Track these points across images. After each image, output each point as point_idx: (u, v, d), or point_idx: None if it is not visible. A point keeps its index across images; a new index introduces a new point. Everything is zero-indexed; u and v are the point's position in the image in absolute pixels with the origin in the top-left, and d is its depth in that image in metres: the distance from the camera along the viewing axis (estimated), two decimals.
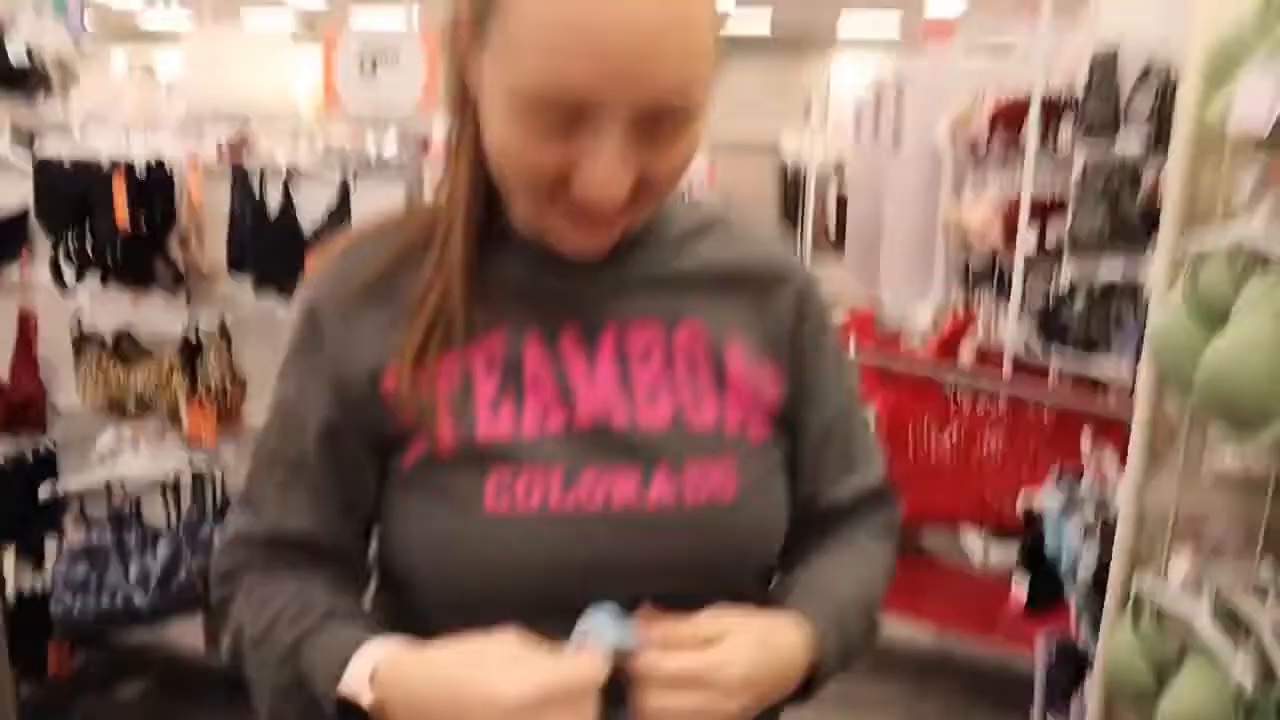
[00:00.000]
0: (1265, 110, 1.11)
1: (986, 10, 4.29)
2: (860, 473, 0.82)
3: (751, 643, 0.65)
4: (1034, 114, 3.42)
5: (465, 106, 0.67)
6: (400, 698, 0.62)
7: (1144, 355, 1.59)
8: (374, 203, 2.19)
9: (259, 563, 0.74)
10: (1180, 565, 1.47)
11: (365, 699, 0.63)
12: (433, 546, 0.69)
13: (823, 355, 0.80)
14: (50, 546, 2.42)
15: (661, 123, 0.60)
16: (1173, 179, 1.54)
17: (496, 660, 0.60)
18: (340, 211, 2.21)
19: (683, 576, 0.70)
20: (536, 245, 0.70)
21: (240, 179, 2.25)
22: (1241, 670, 1.27)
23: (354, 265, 0.73)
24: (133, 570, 2.16)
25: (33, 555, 2.45)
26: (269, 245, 2.22)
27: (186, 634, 2.55)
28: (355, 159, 2.36)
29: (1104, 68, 3.04)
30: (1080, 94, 3.21)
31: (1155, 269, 1.64)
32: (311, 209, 2.23)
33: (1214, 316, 1.33)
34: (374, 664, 0.63)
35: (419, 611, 0.71)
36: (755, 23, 14.46)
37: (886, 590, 0.82)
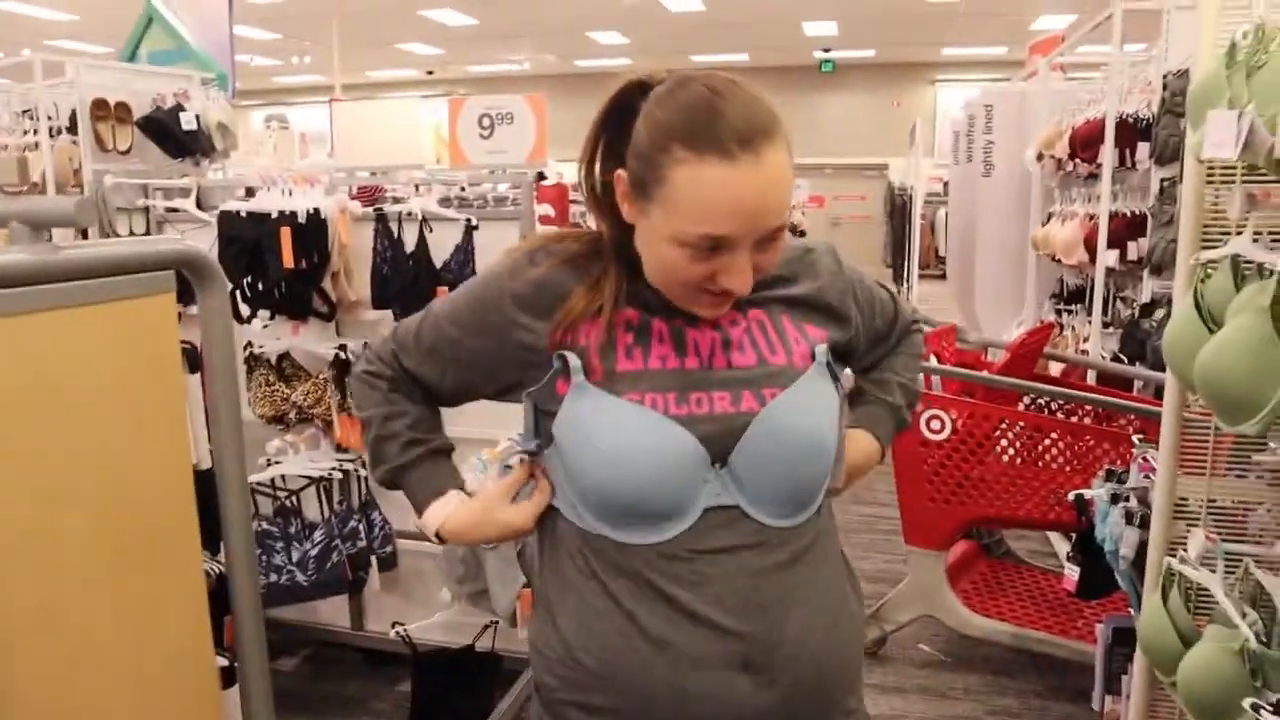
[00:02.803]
0: (1230, 140, 1.33)
1: (1085, 29, 4.40)
2: (894, 324, 1.27)
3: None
4: (1109, 138, 3.55)
5: (609, 219, 1.05)
6: (453, 528, 1.13)
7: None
8: (494, 240, 2.54)
9: (392, 376, 1.17)
10: (1196, 543, 1.65)
11: (434, 534, 1.14)
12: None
13: (855, 285, 1.18)
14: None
15: (767, 237, 0.96)
16: (1186, 201, 1.74)
17: (500, 502, 1.10)
18: (466, 249, 2.57)
19: None
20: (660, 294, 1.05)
21: (382, 224, 2.64)
22: (1251, 625, 1.45)
23: (535, 261, 1.07)
24: (295, 554, 2.55)
25: (211, 543, 2.87)
26: (406, 279, 2.60)
27: (336, 614, 2.91)
28: (477, 205, 2.72)
29: (1175, 91, 3.17)
30: (1154, 117, 3.34)
31: (1176, 281, 1.83)
32: (442, 248, 2.60)
33: (1217, 320, 1.52)
34: (441, 521, 1.13)
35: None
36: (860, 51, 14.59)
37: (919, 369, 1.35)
